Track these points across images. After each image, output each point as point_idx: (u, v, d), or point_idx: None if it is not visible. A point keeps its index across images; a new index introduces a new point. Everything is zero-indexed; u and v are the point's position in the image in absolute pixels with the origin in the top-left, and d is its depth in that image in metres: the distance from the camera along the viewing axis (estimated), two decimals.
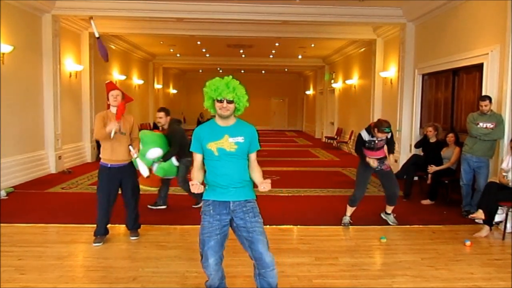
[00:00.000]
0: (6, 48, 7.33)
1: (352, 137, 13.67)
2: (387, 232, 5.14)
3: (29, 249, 4.41)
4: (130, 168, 4.63)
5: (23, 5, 7.99)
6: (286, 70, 23.18)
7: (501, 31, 5.94)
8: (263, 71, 24.10)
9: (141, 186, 4.99)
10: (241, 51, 16.21)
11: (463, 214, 5.89)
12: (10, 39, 7.54)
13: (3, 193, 6.81)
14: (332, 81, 17.00)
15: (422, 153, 7.46)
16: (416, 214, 5.99)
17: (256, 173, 2.95)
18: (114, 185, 4.58)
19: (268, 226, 2.96)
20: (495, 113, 5.76)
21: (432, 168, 6.63)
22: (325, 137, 17.51)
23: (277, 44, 14.37)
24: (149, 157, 5.40)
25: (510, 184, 5.04)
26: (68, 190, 7.51)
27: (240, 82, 2.87)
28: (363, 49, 12.85)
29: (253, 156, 2.96)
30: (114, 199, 4.64)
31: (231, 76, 2.85)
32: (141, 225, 4.92)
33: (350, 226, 5.38)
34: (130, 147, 4.55)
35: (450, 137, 6.71)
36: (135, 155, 4.58)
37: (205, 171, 2.95)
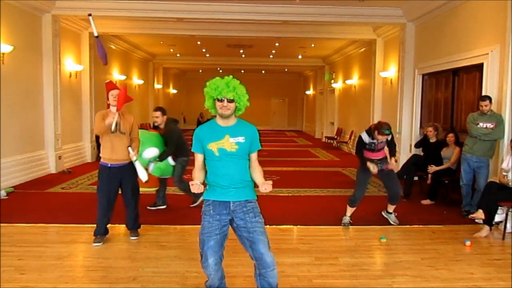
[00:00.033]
0: (6, 48, 7.33)
1: (352, 137, 13.68)
2: (387, 232, 5.14)
3: (29, 249, 4.41)
4: (130, 168, 4.61)
5: (23, 5, 7.99)
6: (286, 70, 23.18)
7: (501, 31, 5.94)
8: (263, 71, 24.10)
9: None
10: (241, 51, 16.21)
11: (463, 214, 5.89)
12: (10, 39, 7.54)
13: (3, 193, 6.81)
14: (332, 81, 17.00)
15: (422, 153, 7.46)
16: (416, 214, 5.98)
17: (257, 173, 2.95)
18: (114, 185, 4.57)
19: (268, 226, 2.96)
20: (495, 113, 5.76)
21: (432, 168, 6.63)
22: (325, 137, 17.51)
23: (277, 44, 14.37)
24: (145, 157, 5.37)
25: (510, 184, 5.04)
26: (68, 190, 7.51)
27: (241, 82, 2.87)
28: (363, 49, 12.85)
29: (254, 156, 2.96)
30: (114, 199, 4.64)
31: (231, 76, 2.85)
32: (141, 225, 4.92)
33: (350, 226, 5.38)
34: (129, 148, 4.53)
35: (450, 137, 6.71)
36: (133, 158, 4.55)
37: (206, 171, 2.95)
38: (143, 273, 3.84)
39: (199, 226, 2.93)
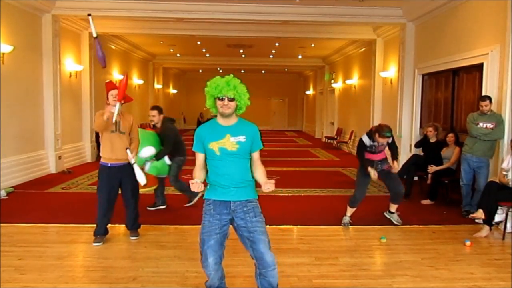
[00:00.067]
0: (6, 48, 7.33)
1: (352, 137, 13.69)
2: (387, 232, 5.13)
3: (29, 249, 4.41)
4: (130, 168, 4.59)
5: (23, 5, 7.99)
6: (286, 70, 23.18)
7: (501, 31, 5.94)
8: (263, 71, 24.11)
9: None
10: (241, 51, 16.21)
11: (463, 214, 5.89)
12: (10, 39, 7.54)
13: (3, 193, 6.81)
14: (332, 81, 17.00)
15: (422, 153, 7.46)
16: (416, 214, 5.98)
17: (260, 173, 2.94)
18: (114, 185, 4.57)
19: (268, 226, 2.95)
20: (495, 113, 5.76)
21: (432, 168, 6.63)
22: (325, 137, 17.51)
23: (277, 44, 14.37)
24: (141, 156, 5.35)
25: (510, 184, 5.04)
26: (68, 190, 7.51)
27: (241, 81, 2.87)
28: (363, 49, 12.85)
29: (256, 155, 2.96)
30: (114, 199, 4.63)
31: (232, 75, 2.85)
32: (141, 225, 4.92)
33: (350, 226, 5.38)
34: (128, 151, 4.50)
35: (450, 137, 6.71)
36: (132, 161, 4.53)
37: (207, 171, 2.95)
38: (143, 273, 3.84)
39: (199, 226, 2.93)
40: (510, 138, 5.48)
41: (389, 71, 10.55)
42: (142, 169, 5.04)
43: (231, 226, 2.94)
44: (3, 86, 7.38)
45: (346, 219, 5.43)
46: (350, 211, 5.45)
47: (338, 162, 11.67)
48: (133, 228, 4.82)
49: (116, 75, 13.01)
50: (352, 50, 13.95)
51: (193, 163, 3.02)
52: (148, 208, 6.03)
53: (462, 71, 7.30)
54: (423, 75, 8.72)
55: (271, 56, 17.63)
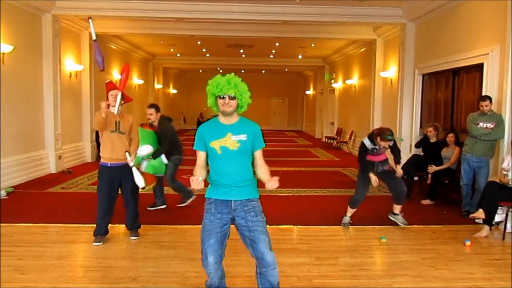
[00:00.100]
0: (6, 48, 7.33)
1: (352, 137, 13.69)
2: (387, 232, 5.13)
3: (29, 249, 4.41)
4: (130, 168, 4.61)
5: (23, 5, 7.99)
6: (286, 70, 23.19)
7: (501, 31, 5.94)
8: (263, 71, 24.11)
9: None
10: (241, 51, 16.22)
11: (463, 214, 5.89)
12: (10, 39, 7.54)
13: (3, 193, 6.81)
14: (332, 81, 17.00)
15: (422, 153, 7.46)
16: (416, 214, 5.97)
17: (263, 171, 2.94)
18: (114, 185, 4.57)
19: (268, 226, 2.95)
20: (495, 113, 5.76)
21: (432, 168, 6.63)
22: (325, 137, 17.51)
23: (277, 44, 14.37)
24: (139, 154, 5.34)
25: (510, 183, 5.04)
26: (68, 190, 7.51)
27: (242, 80, 2.86)
28: (363, 49, 12.85)
29: (258, 153, 2.96)
30: (115, 198, 4.64)
31: (233, 73, 2.85)
32: (141, 225, 4.92)
33: (350, 226, 5.38)
34: (127, 153, 4.49)
35: (450, 137, 6.71)
36: (131, 164, 4.51)
37: (208, 170, 2.95)
38: (143, 273, 3.84)
39: (199, 226, 2.93)
40: (510, 138, 5.48)
41: (389, 71, 10.55)
42: (139, 168, 5.03)
43: (232, 225, 2.95)
44: (3, 86, 7.37)
45: (346, 219, 5.43)
46: (350, 211, 5.44)
47: (338, 162, 11.67)
48: (133, 228, 4.82)
49: (116, 75, 13.00)
50: (352, 50, 13.95)
51: (191, 162, 3.01)
52: (148, 208, 6.02)
53: (462, 71, 7.29)
54: (423, 75, 8.72)
55: (271, 56, 17.63)
